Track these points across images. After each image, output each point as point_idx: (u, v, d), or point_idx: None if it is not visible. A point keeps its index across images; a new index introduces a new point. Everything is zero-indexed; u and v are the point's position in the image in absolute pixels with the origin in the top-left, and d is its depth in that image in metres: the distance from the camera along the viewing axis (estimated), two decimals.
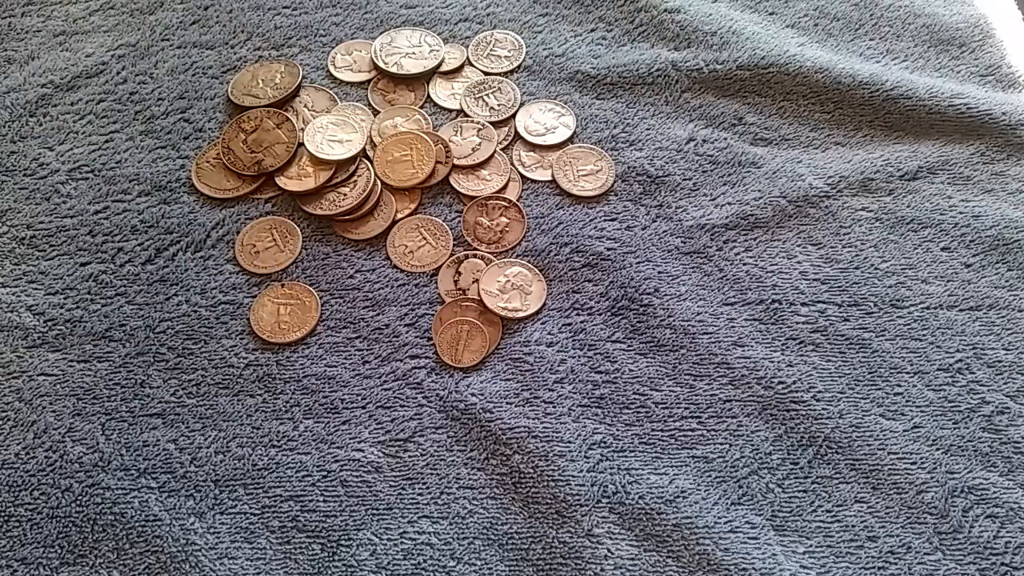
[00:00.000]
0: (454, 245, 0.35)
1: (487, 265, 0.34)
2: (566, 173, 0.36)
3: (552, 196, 0.36)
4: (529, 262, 0.34)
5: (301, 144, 0.37)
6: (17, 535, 0.29)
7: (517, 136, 0.37)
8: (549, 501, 0.29)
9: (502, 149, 0.37)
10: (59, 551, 0.28)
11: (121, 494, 0.29)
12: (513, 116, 0.38)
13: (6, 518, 0.29)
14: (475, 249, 0.34)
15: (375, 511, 0.29)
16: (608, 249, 0.35)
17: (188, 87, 0.39)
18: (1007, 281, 0.33)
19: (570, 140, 0.37)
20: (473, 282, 0.34)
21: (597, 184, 0.36)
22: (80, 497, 0.29)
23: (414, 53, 0.39)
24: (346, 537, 0.29)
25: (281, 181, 0.36)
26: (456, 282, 0.34)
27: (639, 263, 0.34)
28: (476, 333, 0.32)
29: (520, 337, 0.33)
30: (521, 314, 0.33)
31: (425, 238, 0.35)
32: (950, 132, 0.37)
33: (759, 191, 0.36)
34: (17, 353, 0.32)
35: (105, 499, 0.29)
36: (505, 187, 0.36)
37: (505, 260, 0.34)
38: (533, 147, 0.37)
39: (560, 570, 0.28)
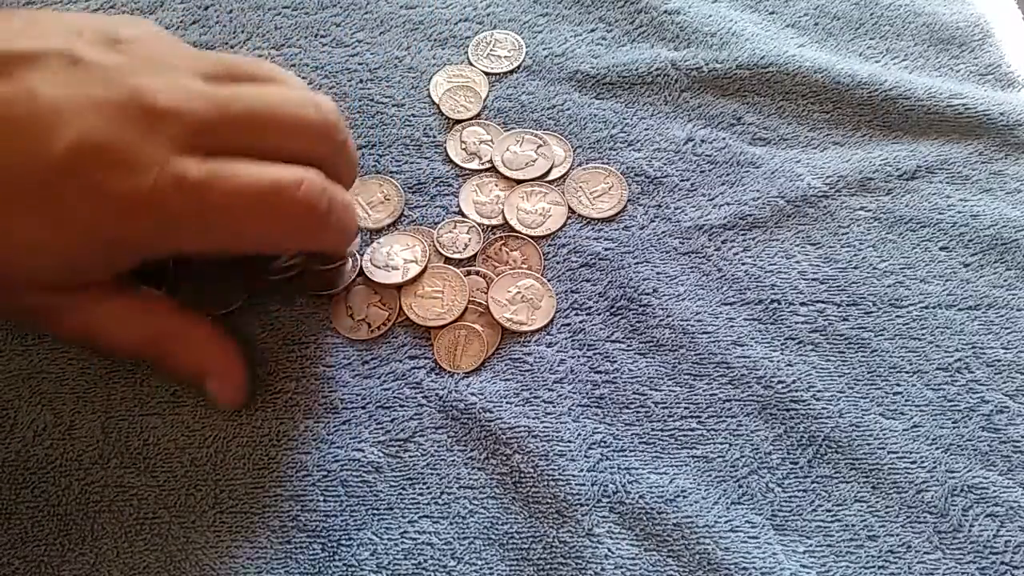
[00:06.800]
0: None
1: (489, 283, 0.34)
2: (579, 199, 0.36)
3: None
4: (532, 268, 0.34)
5: None
6: (18, 533, 0.29)
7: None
8: (549, 501, 0.29)
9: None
10: (60, 548, 0.28)
11: (120, 492, 0.29)
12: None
13: (7, 516, 0.29)
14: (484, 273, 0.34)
15: (375, 511, 0.29)
16: (606, 249, 0.35)
17: None
18: (1006, 280, 0.34)
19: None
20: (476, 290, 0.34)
21: (613, 201, 0.36)
22: (80, 495, 0.29)
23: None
24: (346, 537, 0.29)
25: None
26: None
27: (637, 263, 0.34)
28: (474, 338, 0.32)
29: (519, 337, 0.33)
30: (525, 328, 0.33)
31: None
32: (949, 132, 0.37)
33: (757, 191, 0.36)
34: (16, 351, 0.32)
35: (104, 497, 0.29)
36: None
37: (519, 271, 0.34)
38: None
39: (560, 569, 0.28)
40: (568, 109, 0.39)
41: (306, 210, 0.28)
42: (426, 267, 0.34)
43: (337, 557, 0.28)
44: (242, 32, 0.41)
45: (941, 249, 0.34)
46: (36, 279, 0.27)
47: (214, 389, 0.30)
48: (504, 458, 0.30)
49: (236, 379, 0.30)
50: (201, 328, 0.30)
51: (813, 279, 0.34)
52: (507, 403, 0.31)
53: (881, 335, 0.32)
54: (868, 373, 0.31)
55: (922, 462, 0.30)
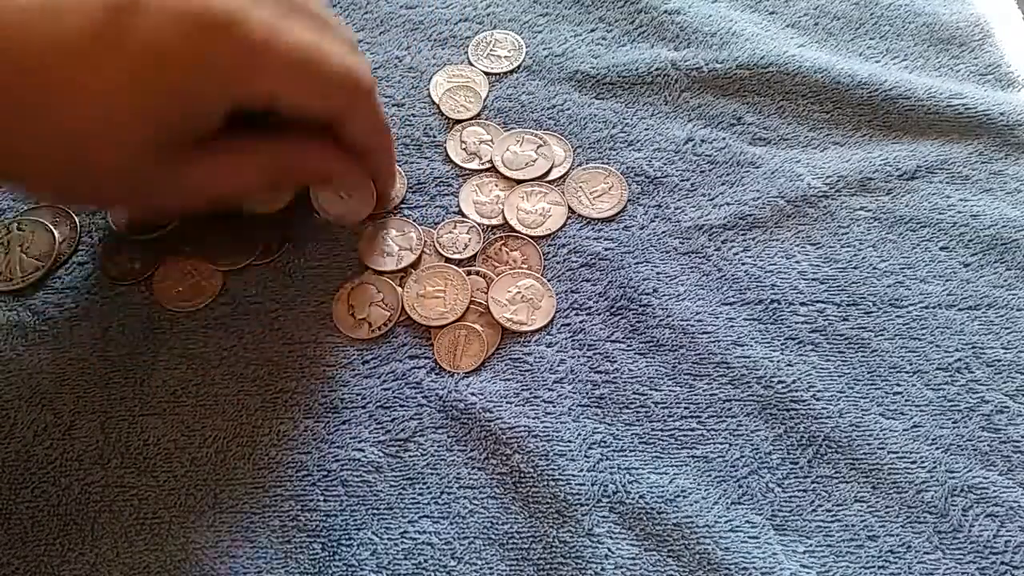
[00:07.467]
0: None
1: (489, 283, 0.34)
2: (579, 199, 0.36)
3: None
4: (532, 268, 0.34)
5: None
6: (18, 533, 0.29)
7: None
8: (549, 501, 0.29)
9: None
10: (60, 549, 0.28)
11: (120, 492, 0.29)
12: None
13: (7, 516, 0.29)
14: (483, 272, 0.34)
15: (375, 511, 0.29)
16: (606, 249, 0.35)
17: None
18: (1006, 280, 0.34)
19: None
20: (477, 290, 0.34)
21: (613, 201, 0.36)
22: (80, 495, 0.29)
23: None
24: (347, 536, 0.28)
25: None
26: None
27: (637, 263, 0.34)
28: (474, 338, 0.32)
29: (519, 337, 0.33)
30: (525, 328, 0.33)
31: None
32: (949, 132, 0.37)
33: (757, 191, 0.36)
34: (17, 351, 0.32)
35: (104, 497, 0.29)
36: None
37: (519, 270, 0.34)
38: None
39: (561, 569, 0.28)
40: (568, 109, 0.39)
41: (356, 76, 0.29)
42: (421, 255, 0.34)
43: (337, 557, 0.28)
44: None
45: (941, 249, 0.34)
46: (123, 167, 0.26)
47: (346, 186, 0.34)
48: (504, 458, 0.30)
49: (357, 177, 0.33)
50: (310, 149, 0.31)
51: (813, 279, 0.34)
52: (507, 403, 0.31)
53: (881, 335, 0.32)
54: (868, 373, 0.31)
55: (922, 462, 0.30)
